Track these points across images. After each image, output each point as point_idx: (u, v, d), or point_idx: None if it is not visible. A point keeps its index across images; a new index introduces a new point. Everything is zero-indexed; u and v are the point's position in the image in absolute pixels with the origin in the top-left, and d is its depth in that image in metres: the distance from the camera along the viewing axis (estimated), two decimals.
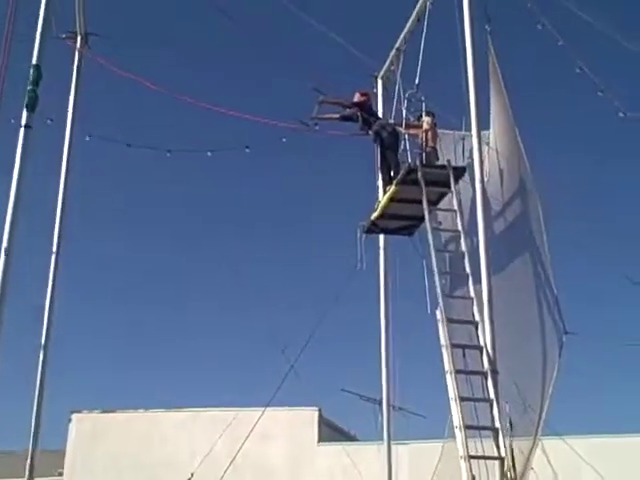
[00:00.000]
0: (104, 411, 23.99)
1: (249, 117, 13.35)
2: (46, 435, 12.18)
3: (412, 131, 11.73)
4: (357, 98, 12.11)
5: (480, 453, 8.73)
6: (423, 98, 11.78)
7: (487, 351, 9.24)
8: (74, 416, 23.76)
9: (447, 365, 9.25)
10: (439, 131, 11.91)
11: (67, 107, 12.94)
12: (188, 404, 23.65)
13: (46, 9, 9.90)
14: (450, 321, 9.62)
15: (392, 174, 11.55)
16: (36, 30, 9.90)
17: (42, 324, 11.99)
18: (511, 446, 8.82)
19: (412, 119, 11.85)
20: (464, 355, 9.35)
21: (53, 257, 12.37)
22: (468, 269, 10.08)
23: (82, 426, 23.62)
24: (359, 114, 11.87)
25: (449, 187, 10.84)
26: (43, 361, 11.84)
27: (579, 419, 28.22)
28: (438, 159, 11.44)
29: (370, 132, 11.83)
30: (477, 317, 9.62)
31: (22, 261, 9.39)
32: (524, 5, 11.14)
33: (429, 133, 11.48)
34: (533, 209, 10.72)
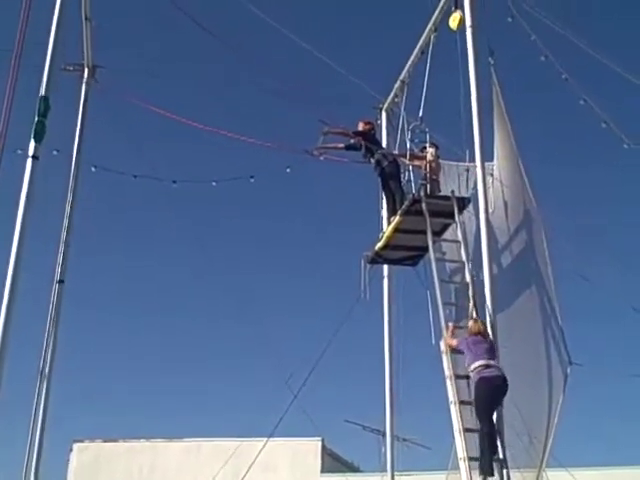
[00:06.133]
0: (106, 440, 23.88)
1: (258, 142, 13.41)
2: (47, 465, 12.10)
3: (416, 162, 11.79)
4: (361, 127, 12.22)
5: None
6: (427, 130, 11.87)
7: None
8: (75, 445, 23.65)
9: (451, 396, 9.23)
10: (443, 162, 11.98)
11: (73, 138, 13.02)
12: (190, 434, 23.57)
13: (55, 41, 9.99)
14: (454, 352, 9.61)
15: (396, 204, 11.60)
16: (44, 60, 9.95)
17: (43, 352, 11.93)
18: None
19: (416, 150, 11.91)
20: (468, 386, 9.31)
21: (56, 286, 12.35)
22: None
23: (83, 456, 23.50)
24: (362, 143, 11.96)
25: (453, 218, 10.86)
26: (46, 389, 11.78)
27: (584, 451, 28.07)
28: (440, 191, 11.48)
29: (372, 161, 11.90)
30: None
31: (25, 289, 9.35)
32: (527, 38, 11.25)
33: (432, 164, 11.53)
34: (538, 241, 10.73)
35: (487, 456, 8.77)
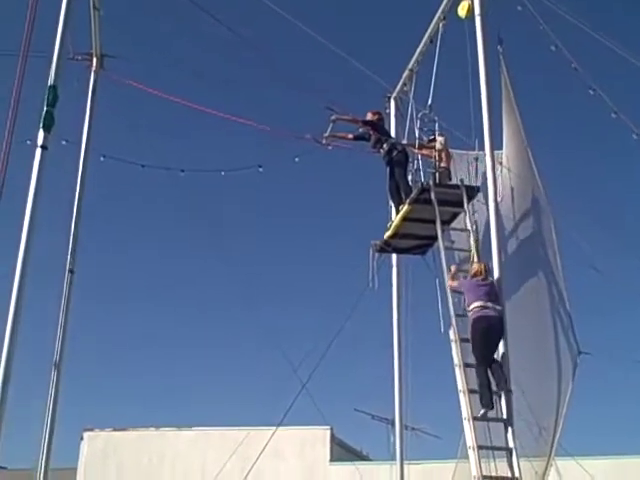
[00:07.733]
0: (116, 429, 24.00)
1: (267, 129, 13.42)
2: (58, 453, 12.17)
3: (425, 151, 11.76)
4: (369, 117, 12.20)
5: (493, 474, 8.69)
6: (436, 118, 11.83)
7: None
8: (86, 434, 23.78)
9: (460, 384, 9.22)
10: (452, 151, 11.94)
11: (82, 128, 13.02)
12: (199, 423, 23.65)
13: (63, 31, 9.97)
14: (463, 340, 9.60)
15: (401, 193, 11.58)
16: (52, 49, 9.93)
17: (55, 342, 11.98)
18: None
19: (425, 139, 11.88)
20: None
21: (67, 276, 12.38)
22: None
23: (94, 444, 23.64)
24: (371, 132, 11.94)
25: (462, 206, 10.84)
26: (56, 379, 11.84)
27: (592, 440, 28.10)
28: (450, 179, 11.45)
29: (382, 151, 11.88)
30: None
31: (35, 278, 9.37)
32: (537, 26, 11.18)
33: (442, 153, 11.50)
34: (546, 228, 10.69)
35: (486, 391, 9.00)
